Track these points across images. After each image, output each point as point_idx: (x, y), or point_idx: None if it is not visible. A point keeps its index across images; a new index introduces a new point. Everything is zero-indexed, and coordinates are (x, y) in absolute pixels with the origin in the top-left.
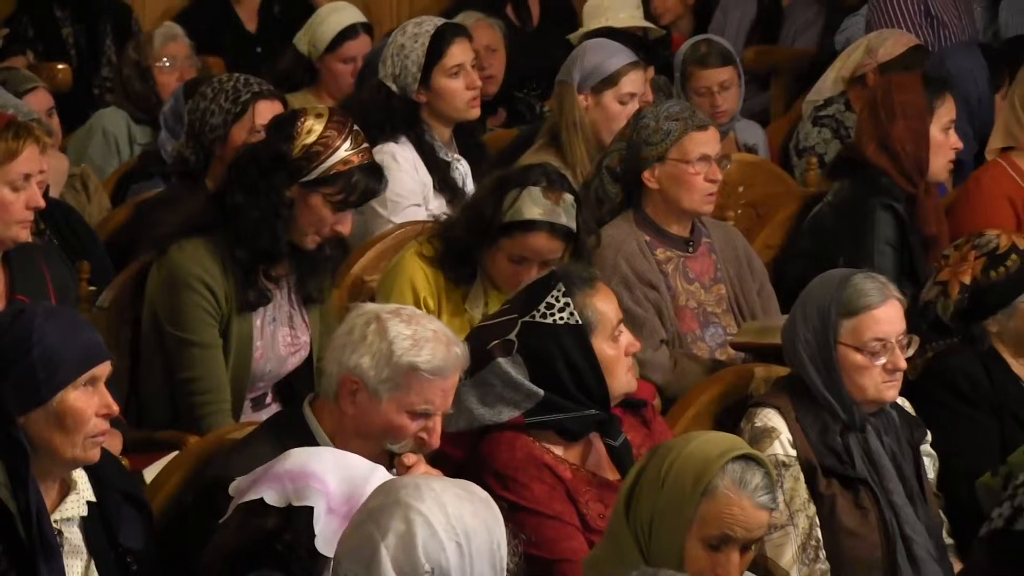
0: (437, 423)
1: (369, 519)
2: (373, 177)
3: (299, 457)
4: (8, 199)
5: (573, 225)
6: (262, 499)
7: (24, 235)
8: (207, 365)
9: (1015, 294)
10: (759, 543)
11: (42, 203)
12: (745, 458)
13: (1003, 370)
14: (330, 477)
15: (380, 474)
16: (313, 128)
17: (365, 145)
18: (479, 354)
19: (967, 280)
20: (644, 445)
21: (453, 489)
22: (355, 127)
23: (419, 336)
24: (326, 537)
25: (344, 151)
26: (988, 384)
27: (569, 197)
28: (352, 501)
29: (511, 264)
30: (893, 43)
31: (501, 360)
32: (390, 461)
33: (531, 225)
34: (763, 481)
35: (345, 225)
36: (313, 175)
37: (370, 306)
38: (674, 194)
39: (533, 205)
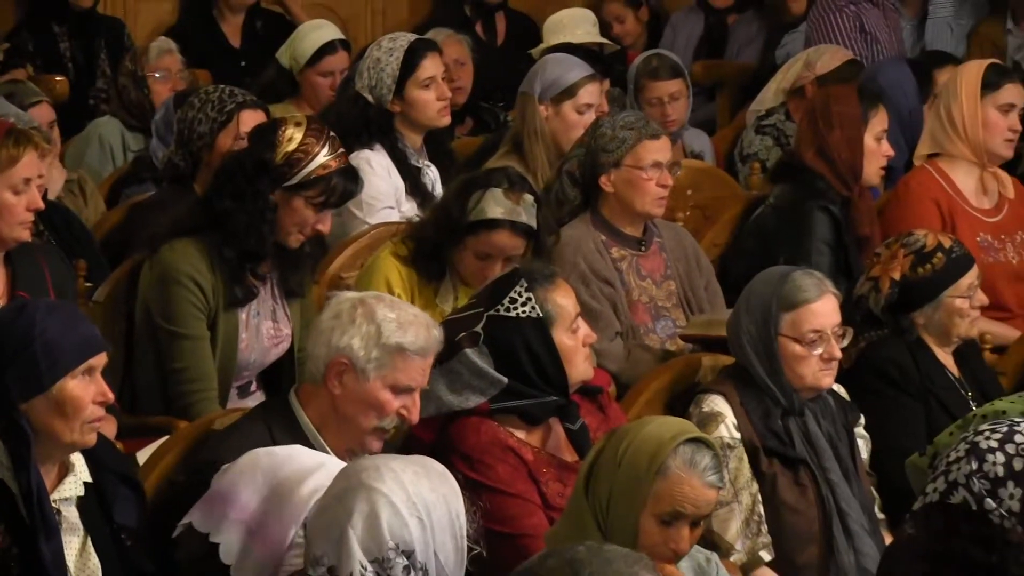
0: (416, 399)
1: (335, 502)
2: (350, 179)
3: (233, 474)
4: (10, 202)
5: (533, 223)
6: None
7: (25, 235)
8: (196, 356)
9: (940, 289)
10: (707, 519)
11: (42, 205)
12: (695, 441)
13: (929, 359)
14: (254, 498)
15: (323, 472)
16: (293, 136)
17: (341, 150)
18: (448, 345)
19: (896, 276)
20: (600, 429)
21: (411, 467)
22: (331, 134)
23: (403, 319)
24: (241, 567)
25: (323, 156)
26: (916, 372)
27: (529, 197)
28: (282, 512)
29: (477, 260)
30: (830, 57)
31: (468, 350)
32: (376, 440)
33: (494, 224)
34: (712, 462)
35: (325, 224)
36: (295, 179)
37: (352, 293)
38: (628, 197)
39: (495, 205)
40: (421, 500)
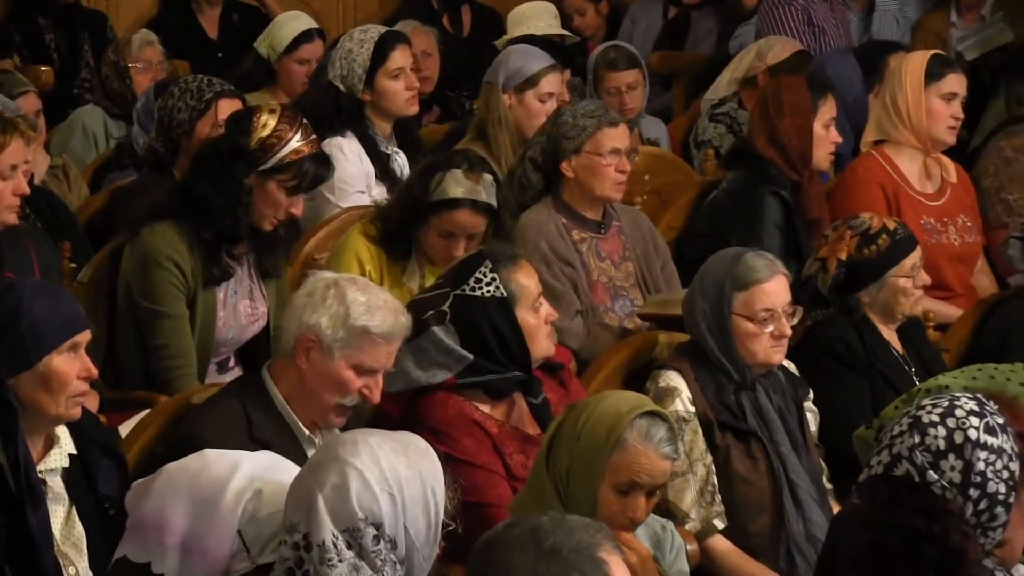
0: (379, 381)
1: (310, 473)
2: (321, 164)
3: (155, 499)
4: None
5: (493, 201)
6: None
7: (12, 219)
8: (176, 334)
9: (885, 269)
10: (663, 488)
11: (27, 190)
12: (651, 414)
13: (875, 336)
14: (182, 518)
15: (241, 475)
16: (268, 123)
17: (314, 136)
18: (416, 323)
19: (843, 257)
20: (562, 403)
21: (389, 443)
22: (304, 121)
23: (372, 303)
24: None
25: (295, 142)
26: (861, 348)
27: (488, 177)
28: (214, 524)
29: (441, 239)
30: (780, 48)
31: (435, 328)
32: (338, 415)
33: (455, 203)
34: (667, 434)
35: (298, 207)
36: (269, 164)
37: (328, 273)
38: (588, 182)
39: (456, 185)
40: (395, 476)
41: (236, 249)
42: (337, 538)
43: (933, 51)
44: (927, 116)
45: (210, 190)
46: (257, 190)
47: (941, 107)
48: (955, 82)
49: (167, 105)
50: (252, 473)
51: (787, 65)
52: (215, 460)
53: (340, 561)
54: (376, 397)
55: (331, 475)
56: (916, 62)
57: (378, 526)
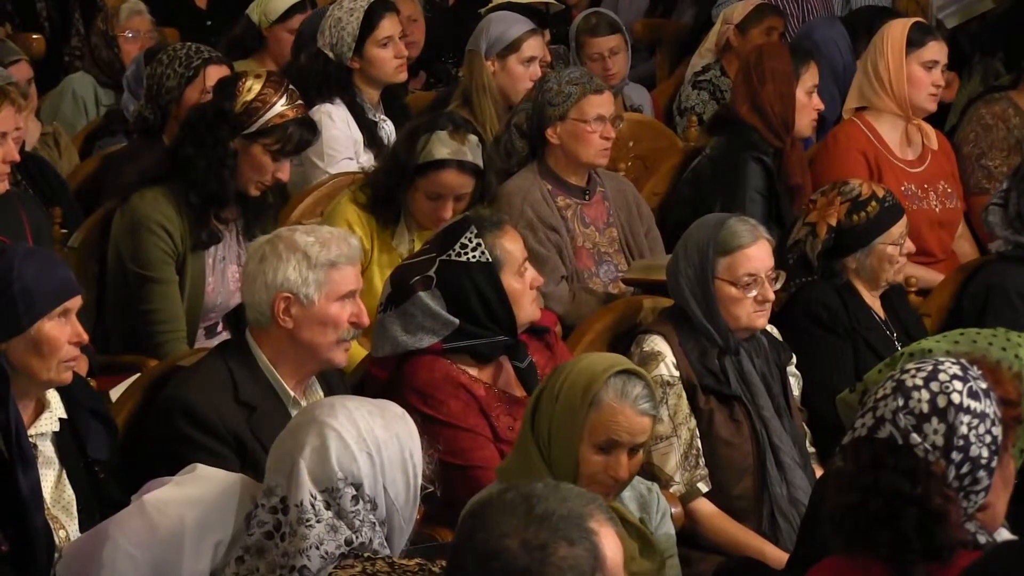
0: (359, 303)
1: (289, 436)
2: (306, 129)
3: (112, 567)
4: None
5: (479, 161)
6: None
7: (2, 186)
8: (165, 298)
9: (873, 236)
10: (645, 446)
11: (18, 157)
12: (626, 372)
13: (857, 301)
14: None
15: (191, 535)
16: (252, 87)
17: (299, 101)
18: (403, 288)
19: (833, 222)
20: (548, 366)
21: (366, 407)
22: (291, 86)
23: (321, 238)
24: None
25: (280, 106)
26: (844, 313)
27: (473, 138)
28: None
29: (429, 201)
30: (742, 7)
31: (422, 293)
32: (341, 351)
33: (441, 164)
34: (643, 391)
35: (284, 172)
36: (253, 128)
37: (262, 237)
38: (573, 149)
39: (441, 146)
40: (372, 437)
41: (224, 214)
42: (316, 499)
43: (914, 19)
44: (908, 83)
45: (195, 153)
46: (242, 154)
47: (922, 74)
48: (935, 50)
49: (156, 72)
50: (200, 525)
51: (752, 18)
52: (159, 517)
53: (318, 521)
54: (365, 319)
55: (310, 437)
56: (897, 30)
57: (357, 486)
